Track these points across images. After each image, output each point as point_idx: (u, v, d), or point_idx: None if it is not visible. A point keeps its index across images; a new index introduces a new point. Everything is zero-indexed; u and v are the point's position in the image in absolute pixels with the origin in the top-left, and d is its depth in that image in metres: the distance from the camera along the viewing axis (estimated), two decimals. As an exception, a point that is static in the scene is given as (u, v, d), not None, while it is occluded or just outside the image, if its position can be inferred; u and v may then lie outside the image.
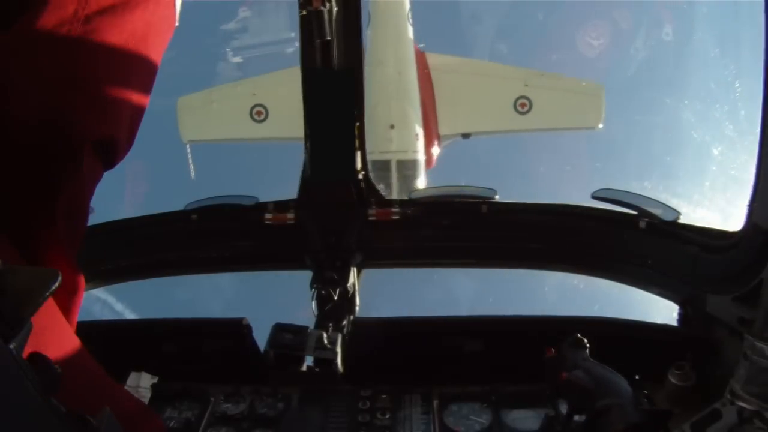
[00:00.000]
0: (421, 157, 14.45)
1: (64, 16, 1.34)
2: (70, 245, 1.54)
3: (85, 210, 1.58)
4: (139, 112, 1.57)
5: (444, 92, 15.27)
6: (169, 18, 1.57)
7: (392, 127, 13.97)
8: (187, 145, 15.77)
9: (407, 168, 14.20)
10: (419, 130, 14.48)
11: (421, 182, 14.22)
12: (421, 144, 14.48)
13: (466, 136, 15.60)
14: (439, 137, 15.30)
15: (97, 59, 1.40)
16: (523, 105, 14.96)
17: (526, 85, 14.93)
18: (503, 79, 15.14)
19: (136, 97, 1.54)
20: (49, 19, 1.32)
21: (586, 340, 2.88)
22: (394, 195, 13.79)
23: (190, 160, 16.32)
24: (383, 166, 13.94)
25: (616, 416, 2.52)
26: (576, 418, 2.81)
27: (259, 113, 15.03)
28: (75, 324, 1.60)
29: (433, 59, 15.31)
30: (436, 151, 15.26)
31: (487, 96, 15.12)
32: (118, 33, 1.43)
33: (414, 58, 14.63)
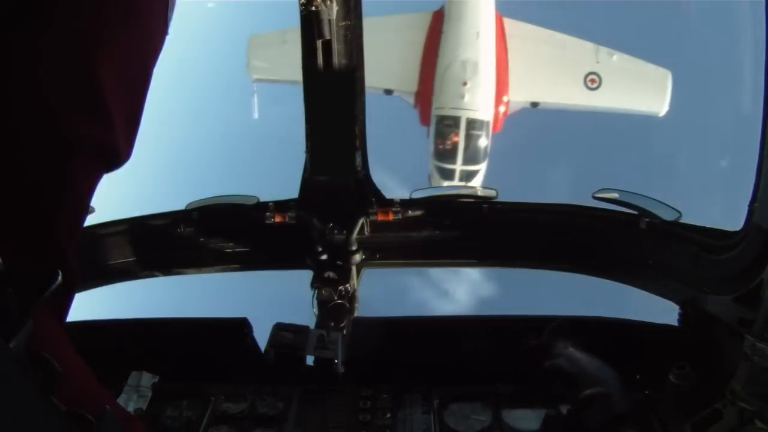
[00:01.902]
0: (490, 118, 14.72)
1: (61, 28, 1.36)
2: (69, 245, 1.56)
3: (83, 212, 1.60)
4: (135, 119, 1.59)
5: (518, 58, 15.37)
6: (161, 28, 1.60)
7: (465, 84, 14.31)
8: (254, 85, 16.37)
9: (475, 127, 14.50)
10: (492, 92, 14.73)
11: (484, 145, 14.57)
12: (491, 106, 14.74)
13: (534, 104, 15.81)
14: (508, 102, 15.50)
15: (94, 68, 1.43)
16: (593, 81, 15.20)
17: (598, 62, 15.18)
18: (576, 53, 15.35)
19: (131, 104, 1.57)
20: (46, 31, 1.35)
21: (569, 328, 2.79)
22: (460, 153, 14.36)
23: (255, 101, 16.91)
24: (452, 122, 14.39)
25: (603, 406, 2.39)
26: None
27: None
28: (64, 322, 1.61)
29: (510, 25, 15.39)
30: (503, 115, 15.40)
31: (560, 67, 15.30)
32: (113, 44, 1.46)
33: (494, 21, 14.82)
